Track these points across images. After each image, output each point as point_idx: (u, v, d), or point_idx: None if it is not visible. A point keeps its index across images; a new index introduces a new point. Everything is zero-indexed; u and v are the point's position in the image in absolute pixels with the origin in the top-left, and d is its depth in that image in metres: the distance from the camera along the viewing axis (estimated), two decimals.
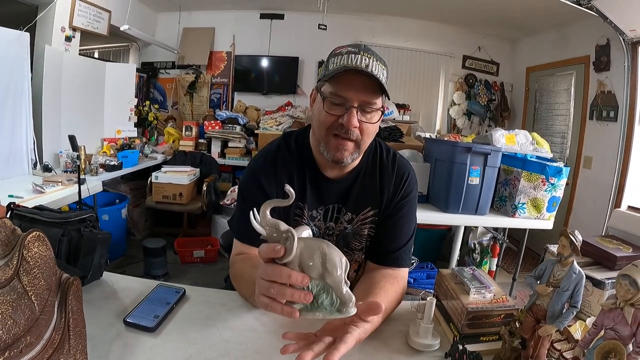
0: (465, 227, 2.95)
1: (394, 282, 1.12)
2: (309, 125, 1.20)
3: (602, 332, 0.75)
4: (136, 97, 4.52)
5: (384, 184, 1.19)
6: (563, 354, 0.93)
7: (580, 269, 0.82)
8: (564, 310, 0.82)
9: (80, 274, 1.06)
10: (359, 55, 0.98)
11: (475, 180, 2.40)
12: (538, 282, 0.87)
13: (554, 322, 0.82)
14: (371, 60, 0.98)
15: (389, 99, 1.04)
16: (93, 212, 1.26)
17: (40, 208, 1.24)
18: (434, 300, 0.94)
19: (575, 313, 0.82)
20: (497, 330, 0.99)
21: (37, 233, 0.66)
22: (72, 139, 2.76)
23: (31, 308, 0.60)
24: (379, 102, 1.03)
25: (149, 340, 0.92)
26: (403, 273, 1.18)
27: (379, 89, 1.01)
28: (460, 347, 0.82)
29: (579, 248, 0.81)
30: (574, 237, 0.81)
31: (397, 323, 1.06)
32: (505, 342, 0.90)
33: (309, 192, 1.17)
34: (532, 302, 0.87)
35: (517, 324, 0.92)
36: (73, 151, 2.80)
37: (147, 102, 5.00)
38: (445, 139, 3.40)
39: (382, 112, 1.06)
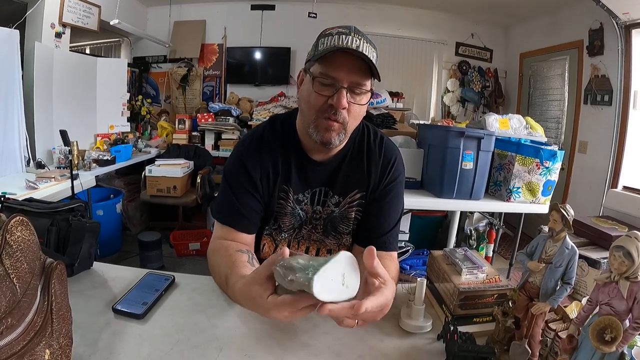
0: (461, 213, 2.94)
1: (389, 259, 1.12)
2: (296, 109, 1.18)
3: (597, 309, 0.73)
4: (128, 92, 4.49)
5: (371, 166, 1.18)
6: (558, 333, 0.92)
7: (573, 244, 0.80)
8: (557, 287, 0.81)
9: (68, 262, 1.04)
10: (350, 36, 0.96)
11: (469, 165, 2.37)
12: (530, 259, 0.86)
13: (547, 299, 0.81)
14: (362, 42, 0.97)
15: (379, 80, 1.02)
16: (82, 202, 1.25)
17: (30, 200, 1.23)
18: (425, 281, 0.94)
19: (569, 290, 0.81)
20: (490, 311, 0.98)
21: (21, 218, 0.64)
22: (63, 134, 2.73)
23: (13, 290, 0.59)
24: (368, 83, 1.01)
25: (137, 327, 0.90)
26: (394, 255, 1.18)
27: (369, 71, 0.99)
28: (452, 328, 0.81)
29: (571, 222, 0.80)
30: (565, 211, 0.80)
31: None
32: (499, 322, 0.89)
33: (294, 175, 1.16)
34: (524, 280, 0.86)
35: (510, 303, 0.91)
36: (65, 146, 2.78)
37: (140, 97, 4.97)
38: (439, 124, 3.38)
39: (371, 95, 1.04)
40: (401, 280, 1.19)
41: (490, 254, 3.31)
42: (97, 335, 0.86)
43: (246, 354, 0.83)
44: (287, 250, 0.75)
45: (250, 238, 1.16)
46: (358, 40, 0.96)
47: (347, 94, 0.98)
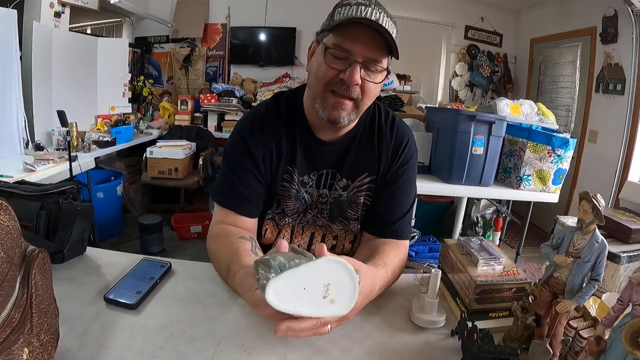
0: (468, 200, 2.87)
1: (395, 247, 1.05)
2: (303, 85, 1.10)
3: (629, 309, 0.67)
4: (130, 72, 4.40)
5: (381, 148, 1.10)
6: (580, 332, 0.85)
7: (603, 237, 0.73)
8: (584, 284, 0.74)
9: (57, 248, 0.98)
10: (370, 8, 0.88)
11: (479, 150, 2.31)
12: (556, 252, 0.79)
13: (573, 297, 0.75)
14: (382, 15, 0.88)
15: (397, 58, 0.94)
16: (74, 184, 1.18)
17: (20, 182, 1.16)
18: (439, 272, 0.87)
19: (596, 287, 0.74)
20: (507, 305, 0.92)
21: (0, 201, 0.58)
22: (60, 114, 2.67)
23: None
24: (385, 61, 0.93)
25: (130, 318, 0.85)
26: (403, 244, 1.11)
27: (387, 47, 0.91)
28: (470, 324, 0.74)
29: (602, 214, 0.73)
30: (596, 201, 0.73)
31: (398, 298, 0.99)
32: (518, 318, 0.83)
33: (299, 155, 1.08)
34: (549, 275, 0.79)
35: (530, 299, 0.85)
36: (62, 127, 2.71)
37: (142, 77, 4.86)
38: (448, 107, 3.30)
39: (387, 74, 0.96)
40: (409, 268, 1.12)
41: (497, 242, 3.24)
42: (87, 327, 0.81)
43: (245, 349, 0.77)
44: (284, 244, 0.68)
45: (251, 223, 1.09)
46: (378, 13, 0.88)
47: (361, 70, 0.90)
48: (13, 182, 1.15)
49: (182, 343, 0.78)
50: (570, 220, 1.56)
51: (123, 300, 0.88)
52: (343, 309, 0.60)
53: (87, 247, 1.12)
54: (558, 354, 0.80)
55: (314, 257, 0.61)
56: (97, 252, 1.13)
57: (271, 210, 1.14)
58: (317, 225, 1.18)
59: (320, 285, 0.58)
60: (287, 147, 1.07)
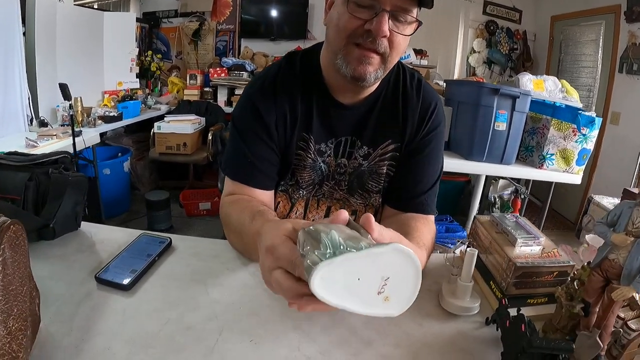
0: (486, 179, 2.75)
1: (425, 224, 0.94)
2: (319, 43, 0.98)
3: None
4: (138, 48, 4.32)
5: (407, 113, 0.98)
6: (627, 322, 0.74)
7: None
8: None
9: (43, 222, 0.89)
10: None
11: (502, 126, 2.18)
12: (612, 230, 0.67)
13: (631, 282, 0.63)
14: None
15: (431, 6, 0.81)
16: (67, 154, 1.09)
17: (11, 153, 1.06)
18: (475, 253, 0.75)
19: None
20: (546, 291, 0.82)
21: None
22: (63, 87, 2.58)
23: None
24: (415, 12, 0.81)
25: (122, 301, 0.76)
26: (432, 220, 1.00)
27: None
28: (516, 313, 0.63)
29: None
30: None
31: (426, 280, 0.86)
32: (562, 306, 0.72)
33: (316, 121, 0.96)
34: (603, 257, 0.68)
35: (575, 284, 0.74)
36: (65, 100, 2.62)
37: (149, 52, 4.75)
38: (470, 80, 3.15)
39: (418, 25, 0.83)
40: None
41: None
42: (74, 311, 0.72)
43: (252, 339, 0.67)
44: (344, 214, 0.52)
45: (267, 196, 0.98)
46: None
47: (389, 20, 0.78)
48: (4, 154, 1.06)
49: (179, 331, 0.68)
50: (606, 201, 1.44)
51: (115, 281, 0.79)
52: (396, 310, 0.47)
53: (83, 222, 1.03)
54: (606, 347, 0.70)
55: (370, 238, 0.49)
56: (93, 227, 1.04)
57: (284, 181, 1.03)
58: (334, 198, 1.07)
59: (377, 278, 0.45)
60: (303, 112, 0.95)
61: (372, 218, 0.50)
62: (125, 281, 0.79)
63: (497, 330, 0.71)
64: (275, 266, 0.52)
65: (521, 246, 0.82)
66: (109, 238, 0.98)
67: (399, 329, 0.72)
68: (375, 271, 0.45)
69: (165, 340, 0.66)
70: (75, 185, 0.98)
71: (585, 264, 0.74)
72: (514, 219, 0.91)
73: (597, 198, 1.45)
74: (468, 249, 0.75)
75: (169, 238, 0.96)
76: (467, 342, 0.71)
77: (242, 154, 0.95)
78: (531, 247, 0.83)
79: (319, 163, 1.00)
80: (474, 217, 0.97)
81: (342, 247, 0.44)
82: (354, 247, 0.43)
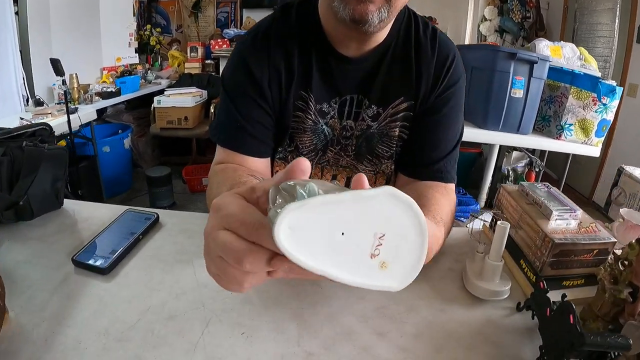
0: (499, 150, 2.63)
1: (444, 194, 0.82)
2: None
3: None
4: (136, 22, 4.23)
5: (421, 66, 0.86)
6: None
7: None
8: None
9: (12, 200, 0.79)
10: None
11: (518, 93, 2.06)
12: None
13: None
14: None
15: None
16: (46, 125, 0.99)
17: None
18: (508, 226, 0.64)
19: None
20: (583, 272, 0.71)
21: None
22: (54, 62, 2.48)
23: None
24: None
25: (99, 286, 0.66)
26: (452, 189, 0.88)
27: None
28: (560, 302, 0.53)
29: None
30: None
31: (446, 257, 0.77)
32: (605, 291, 0.61)
33: (316, 77, 0.84)
34: None
35: (620, 265, 0.63)
36: (57, 75, 2.53)
37: (148, 26, 4.61)
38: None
39: None
40: None
41: None
42: (48, 298, 0.63)
43: (243, 332, 0.57)
44: (304, 163, 0.36)
45: (262, 164, 0.87)
46: None
47: None
48: None
49: (160, 320, 0.59)
50: (639, 172, 1.33)
51: (93, 263, 0.70)
52: (397, 281, 0.34)
53: (66, 200, 0.93)
54: None
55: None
56: (77, 205, 0.94)
57: (282, 147, 0.91)
58: (339, 165, 0.95)
59: (368, 235, 0.32)
60: (300, 67, 0.83)
61: (365, 177, 0.36)
62: (104, 264, 0.69)
63: (533, 318, 0.61)
64: (220, 226, 0.35)
65: (556, 219, 0.71)
66: (93, 216, 0.89)
67: (418, 316, 0.62)
68: (365, 224, 0.32)
69: (143, 332, 0.56)
70: (53, 159, 0.88)
71: (634, 241, 0.63)
72: (546, 189, 0.80)
73: (629, 169, 1.33)
74: (499, 222, 0.64)
75: (156, 214, 0.86)
76: (497, 332, 0.60)
77: (232, 117, 0.84)
78: (567, 220, 0.72)
79: (321, 126, 0.89)
80: (500, 186, 0.85)
81: (323, 193, 0.31)
82: (335, 192, 0.31)
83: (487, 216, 0.93)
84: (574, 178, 3.94)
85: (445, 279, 0.71)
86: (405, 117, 0.88)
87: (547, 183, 0.83)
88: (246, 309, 0.62)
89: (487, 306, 0.66)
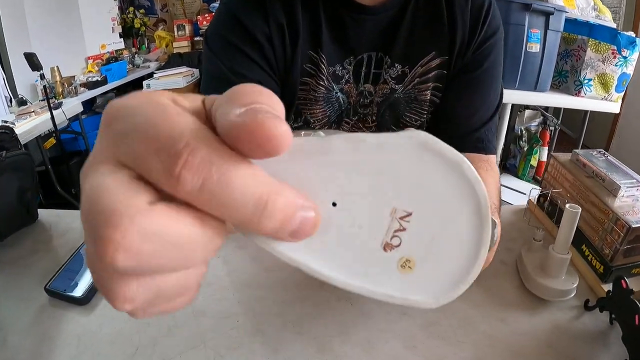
0: (511, 109, 2.48)
1: (489, 169, 0.68)
2: None
3: None
4: (118, 5, 4.04)
5: (454, 14, 0.69)
6: None
7: None
8: None
9: None
10: None
11: (535, 47, 1.91)
12: None
13: None
14: None
15: None
16: (7, 129, 0.85)
17: None
18: (579, 211, 0.50)
19: None
20: None
21: None
22: (29, 57, 2.32)
23: None
24: None
25: (76, 321, 0.55)
26: (494, 162, 0.73)
27: None
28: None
29: None
30: None
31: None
32: None
33: (326, 34, 0.67)
34: None
35: None
36: (33, 71, 2.38)
37: (131, 9, 4.42)
38: None
39: None
40: None
41: (545, 158, 2.86)
42: (21, 341, 0.52)
43: None
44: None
45: None
46: None
47: None
48: None
49: None
50: None
51: (67, 293, 0.58)
52: (428, 294, 0.19)
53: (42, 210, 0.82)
54: None
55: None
56: (53, 216, 0.82)
57: (289, 122, 0.74)
58: None
59: (379, 210, 0.18)
60: (307, 22, 0.66)
61: None
62: (81, 293, 0.57)
63: (612, 323, 0.48)
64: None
65: (624, 196, 0.58)
66: (72, 227, 0.77)
67: (475, 332, 0.50)
68: (374, 192, 0.18)
69: None
70: (15, 167, 0.75)
71: None
72: (602, 157, 0.66)
73: None
74: (567, 205, 0.50)
75: None
76: (569, 343, 0.48)
77: (222, 80, 0.66)
78: (634, 196, 0.59)
79: (335, 92, 0.72)
80: (550, 155, 0.71)
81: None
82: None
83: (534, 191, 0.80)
84: (588, 135, 3.81)
85: (498, 277, 0.58)
86: (438, 76, 0.71)
87: (602, 150, 0.69)
88: (257, 343, 0.49)
89: (551, 308, 0.53)
